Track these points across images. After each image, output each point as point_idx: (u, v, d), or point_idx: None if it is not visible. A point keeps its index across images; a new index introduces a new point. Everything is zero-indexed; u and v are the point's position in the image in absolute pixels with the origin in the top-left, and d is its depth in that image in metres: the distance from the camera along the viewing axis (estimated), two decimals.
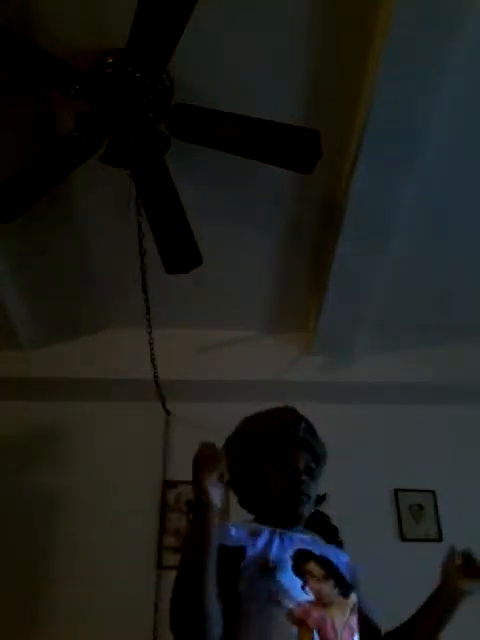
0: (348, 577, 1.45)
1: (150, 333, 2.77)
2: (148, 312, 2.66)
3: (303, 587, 1.32)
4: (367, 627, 1.47)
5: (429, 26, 1.76)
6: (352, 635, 1.34)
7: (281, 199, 2.54)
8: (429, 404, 3.33)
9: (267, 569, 1.33)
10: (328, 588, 1.36)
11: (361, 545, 3.06)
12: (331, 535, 3.33)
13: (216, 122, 2.01)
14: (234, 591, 1.31)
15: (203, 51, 1.98)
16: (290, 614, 1.27)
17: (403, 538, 3.08)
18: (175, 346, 3.12)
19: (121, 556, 2.92)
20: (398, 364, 3.24)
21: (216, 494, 1.28)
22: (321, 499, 3.15)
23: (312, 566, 1.39)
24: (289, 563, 1.36)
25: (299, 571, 1.35)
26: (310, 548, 1.44)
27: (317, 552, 1.44)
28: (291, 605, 1.28)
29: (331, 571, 1.41)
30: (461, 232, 2.68)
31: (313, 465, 1.54)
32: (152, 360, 2.87)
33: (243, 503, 1.58)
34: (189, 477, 1.32)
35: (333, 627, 1.29)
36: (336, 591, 1.37)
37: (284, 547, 1.40)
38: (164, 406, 3.21)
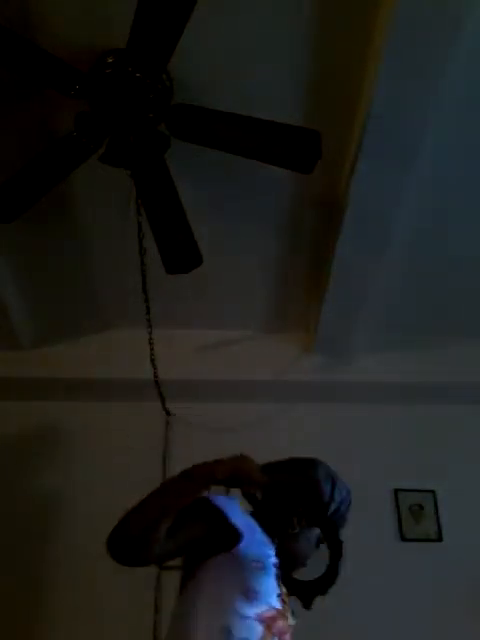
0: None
1: (150, 333, 2.77)
2: (148, 312, 2.66)
3: (279, 595, 1.46)
4: None
5: (429, 26, 1.76)
6: None
7: (281, 199, 2.54)
8: (429, 404, 3.33)
9: (255, 566, 1.42)
10: (287, 606, 1.50)
11: (361, 545, 3.08)
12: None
13: (216, 122, 2.01)
14: (203, 557, 1.43)
15: (203, 51, 1.98)
16: (260, 615, 1.39)
17: (403, 538, 3.07)
18: (175, 346, 3.12)
19: None
20: (398, 364, 3.23)
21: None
22: None
23: (282, 585, 1.52)
24: (274, 571, 1.46)
25: (278, 582, 1.48)
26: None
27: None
28: (263, 607, 1.40)
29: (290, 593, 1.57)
30: (461, 232, 2.68)
31: None
32: (152, 360, 2.87)
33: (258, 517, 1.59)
34: None
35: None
36: (290, 612, 1.51)
37: (274, 557, 1.50)
38: (164, 406, 3.21)
